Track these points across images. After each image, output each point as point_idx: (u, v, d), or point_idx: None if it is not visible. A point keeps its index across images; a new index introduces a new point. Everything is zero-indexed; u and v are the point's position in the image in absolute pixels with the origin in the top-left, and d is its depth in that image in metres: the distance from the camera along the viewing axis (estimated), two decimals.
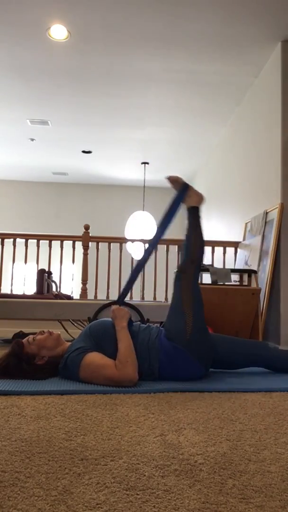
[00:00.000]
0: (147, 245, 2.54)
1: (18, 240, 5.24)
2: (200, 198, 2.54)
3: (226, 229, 5.92)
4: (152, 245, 2.52)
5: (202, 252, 2.44)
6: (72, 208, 9.03)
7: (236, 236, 5.34)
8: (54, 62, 4.56)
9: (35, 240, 5.26)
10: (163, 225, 2.52)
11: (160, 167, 7.83)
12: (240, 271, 4.11)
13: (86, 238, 5.16)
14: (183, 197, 2.52)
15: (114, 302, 2.62)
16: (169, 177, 2.58)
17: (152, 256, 7.68)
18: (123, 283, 6.31)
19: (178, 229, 8.91)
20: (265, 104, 4.47)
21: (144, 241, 5.31)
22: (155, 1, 3.59)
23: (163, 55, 4.35)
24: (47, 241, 5.33)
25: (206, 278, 5.64)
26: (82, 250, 5.20)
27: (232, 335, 3.57)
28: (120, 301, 2.53)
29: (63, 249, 5.30)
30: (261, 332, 3.81)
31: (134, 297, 7.54)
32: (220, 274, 3.82)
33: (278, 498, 0.97)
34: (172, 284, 2.47)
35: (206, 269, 3.93)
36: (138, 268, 2.49)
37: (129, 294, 7.06)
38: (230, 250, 5.40)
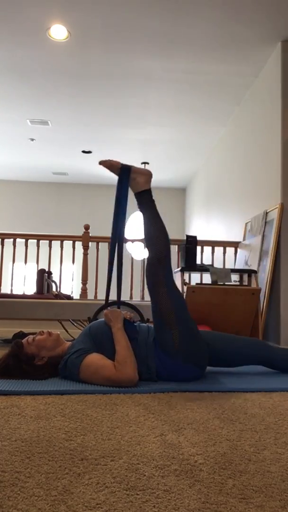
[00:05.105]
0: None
1: (18, 240, 5.24)
2: (147, 176, 2.16)
3: (226, 229, 5.91)
4: (113, 244, 2.22)
5: (168, 249, 2.13)
6: (72, 208, 9.03)
7: (236, 236, 5.34)
8: (54, 62, 4.56)
9: (35, 240, 5.27)
10: (117, 221, 2.19)
11: (160, 167, 7.83)
12: (240, 271, 4.11)
13: (86, 238, 5.16)
14: (128, 182, 2.16)
15: (113, 303, 2.58)
16: (101, 162, 2.16)
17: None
18: (125, 284, 6.28)
19: (178, 228, 8.91)
20: (265, 104, 4.47)
21: (143, 241, 5.30)
22: (155, 1, 3.59)
23: (163, 55, 4.36)
24: (47, 241, 5.33)
25: (206, 278, 5.64)
26: (82, 250, 5.20)
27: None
28: (117, 303, 2.44)
29: (63, 249, 5.30)
30: (261, 332, 3.81)
31: (134, 297, 7.54)
32: (220, 274, 3.82)
33: (278, 498, 0.97)
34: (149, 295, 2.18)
35: (206, 269, 3.93)
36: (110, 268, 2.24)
37: (128, 294, 7.04)
38: (230, 250, 5.41)
